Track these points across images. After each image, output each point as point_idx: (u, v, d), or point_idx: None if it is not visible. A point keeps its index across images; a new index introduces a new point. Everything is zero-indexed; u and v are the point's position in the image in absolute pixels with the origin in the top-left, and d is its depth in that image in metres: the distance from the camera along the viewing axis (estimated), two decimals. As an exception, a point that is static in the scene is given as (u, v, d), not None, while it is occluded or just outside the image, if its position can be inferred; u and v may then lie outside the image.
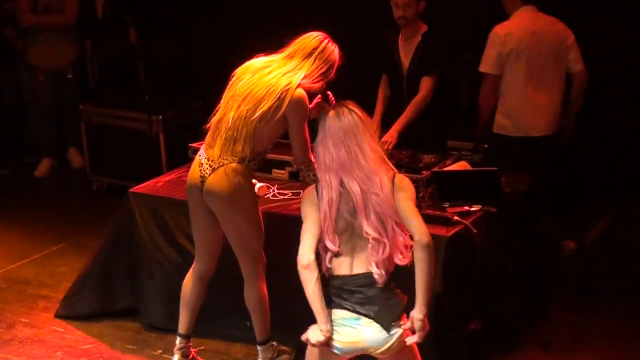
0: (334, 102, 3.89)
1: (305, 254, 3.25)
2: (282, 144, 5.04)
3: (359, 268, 3.29)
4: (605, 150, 5.88)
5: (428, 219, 4.06)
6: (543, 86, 5.04)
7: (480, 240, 4.07)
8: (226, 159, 3.86)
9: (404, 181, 3.34)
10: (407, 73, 5.06)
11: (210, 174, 3.86)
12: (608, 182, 5.78)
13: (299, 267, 3.25)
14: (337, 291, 3.29)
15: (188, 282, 4.18)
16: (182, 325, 4.21)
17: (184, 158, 5.15)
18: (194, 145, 5.05)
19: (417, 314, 3.20)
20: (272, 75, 3.81)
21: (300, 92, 3.79)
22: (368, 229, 3.24)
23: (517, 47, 4.97)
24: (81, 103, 7.04)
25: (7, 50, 7.41)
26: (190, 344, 4.26)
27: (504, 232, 4.36)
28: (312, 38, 3.86)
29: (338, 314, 3.27)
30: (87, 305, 4.86)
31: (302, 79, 3.80)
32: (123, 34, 7.37)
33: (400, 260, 3.26)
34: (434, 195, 4.29)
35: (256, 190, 4.46)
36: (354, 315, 3.24)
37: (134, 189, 4.82)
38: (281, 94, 3.77)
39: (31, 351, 4.57)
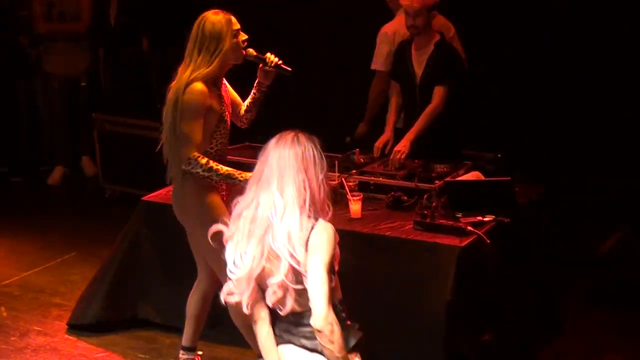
0: (272, 60, 3.97)
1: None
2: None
3: None
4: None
5: (441, 229, 4.08)
6: None
7: (493, 251, 4.04)
8: (174, 178, 3.92)
9: (327, 229, 3.00)
10: (420, 82, 5.03)
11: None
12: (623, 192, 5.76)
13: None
14: (284, 326, 3.09)
15: (192, 297, 4.16)
16: (186, 337, 4.19)
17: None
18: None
19: None
20: (172, 87, 3.79)
21: (189, 90, 3.70)
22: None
23: None
24: (94, 111, 7.05)
25: (21, 59, 7.44)
26: (196, 355, 4.23)
27: (517, 243, 4.33)
28: (194, 25, 3.85)
29: (286, 351, 3.05)
30: (99, 313, 4.83)
31: (192, 76, 3.72)
32: (136, 42, 7.39)
33: None
34: (447, 205, 4.26)
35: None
36: (303, 350, 3.02)
37: (146, 198, 4.81)
38: (175, 102, 3.75)
39: (44, 359, 4.57)
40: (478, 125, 5.67)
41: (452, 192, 4.30)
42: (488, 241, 4.00)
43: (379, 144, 5.03)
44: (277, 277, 2.90)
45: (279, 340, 3.08)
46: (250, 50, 3.93)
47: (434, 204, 4.19)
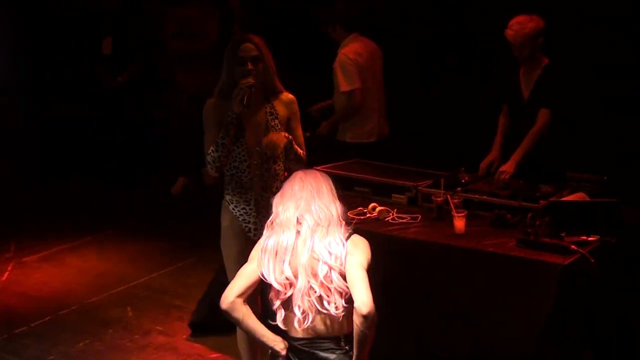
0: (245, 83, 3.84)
1: None
2: (401, 170, 5.12)
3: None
4: None
5: (545, 247, 4.05)
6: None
7: (597, 270, 3.98)
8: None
9: (357, 243, 3.36)
10: (527, 104, 5.00)
11: None
12: None
13: None
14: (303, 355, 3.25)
15: None
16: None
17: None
18: (320, 168, 5.15)
19: None
20: None
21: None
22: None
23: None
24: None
25: (154, 75, 7.77)
26: None
27: (622, 264, 4.24)
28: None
29: None
30: (214, 316, 5.00)
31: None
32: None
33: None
34: (551, 224, 4.22)
35: (376, 213, 4.55)
36: None
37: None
38: None
39: (164, 357, 4.76)
40: (583, 148, 5.57)
41: (557, 211, 4.25)
42: (592, 260, 3.95)
43: (484, 163, 5.03)
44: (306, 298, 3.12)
45: None
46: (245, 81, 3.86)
47: (537, 222, 4.16)
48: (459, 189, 4.66)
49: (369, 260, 3.19)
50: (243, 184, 3.95)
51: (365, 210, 4.67)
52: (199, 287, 5.34)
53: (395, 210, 4.67)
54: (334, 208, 3.25)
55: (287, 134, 3.91)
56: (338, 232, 3.21)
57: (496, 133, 5.18)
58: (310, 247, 3.13)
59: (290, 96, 4.02)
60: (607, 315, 4.14)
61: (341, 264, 3.11)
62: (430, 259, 4.31)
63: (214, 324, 4.93)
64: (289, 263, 3.11)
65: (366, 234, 4.44)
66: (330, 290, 3.03)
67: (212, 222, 6.89)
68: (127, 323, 5.19)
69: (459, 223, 4.32)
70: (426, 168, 5.08)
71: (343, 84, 5.76)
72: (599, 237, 4.12)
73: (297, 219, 3.19)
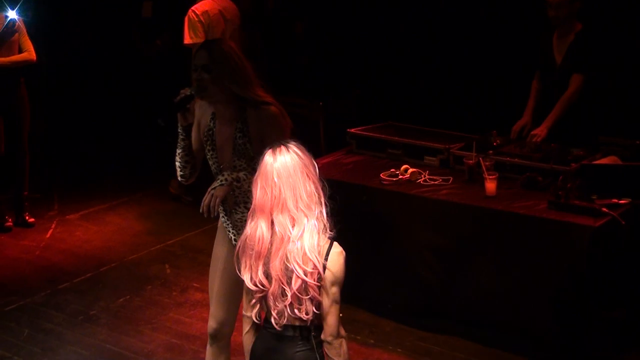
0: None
1: None
2: (434, 132, 5.07)
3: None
4: None
5: (575, 210, 3.99)
6: None
7: (627, 232, 3.93)
8: None
9: (341, 258, 2.78)
10: (559, 69, 4.90)
11: None
12: None
13: None
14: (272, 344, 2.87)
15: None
16: None
17: (342, 142, 5.23)
18: (353, 130, 5.13)
19: None
20: None
21: None
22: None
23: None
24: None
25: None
26: None
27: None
28: None
29: None
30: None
31: None
32: (290, 27, 7.52)
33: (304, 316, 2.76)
34: (582, 187, 4.15)
35: (408, 175, 4.52)
36: None
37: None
38: None
39: (201, 314, 4.79)
40: (616, 112, 5.46)
41: (589, 174, 4.19)
42: (623, 222, 3.90)
43: (516, 127, 4.97)
44: (282, 292, 2.74)
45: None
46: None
47: (569, 185, 4.11)
48: (490, 151, 4.60)
49: (342, 279, 2.80)
50: None
51: (397, 172, 4.64)
52: (234, 246, 5.35)
53: (427, 172, 4.64)
54: (314, 200, 2.74)
55: (229, 180, 3.31)
56: (317, 238, 2.73)
57: (529, 97, 5.09)
58: (284, 254, 2.72)
59: (272, 110, 3.34)
60: (638, 276, 4.09)
61: (316, 278, 2.72)
62: (461, 221, 4.29)
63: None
64: (263, 264, 2.75)
65: (398, 196, 4.46)
66: (302, 300, 2.73)
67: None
68: (165, 280, 5.23)
69: (490, 185, 4.28)
70: (458, 131, 5.02)
71: (186, 37, 5.84)
72: (630, 200, 4.07)
73: (271, 210, 2.74)
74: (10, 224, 5.96)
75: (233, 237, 3.51)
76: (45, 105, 7.44)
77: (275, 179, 2.73)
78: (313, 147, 6.74)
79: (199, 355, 4.36)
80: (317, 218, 2.74)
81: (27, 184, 6.04)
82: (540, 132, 4.74)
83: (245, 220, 2.84)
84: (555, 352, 4.06)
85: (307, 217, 2.73)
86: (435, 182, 4.53)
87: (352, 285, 4.59)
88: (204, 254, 5.58)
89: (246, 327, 2.92)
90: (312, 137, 6.70)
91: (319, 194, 2.76)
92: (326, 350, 2.80)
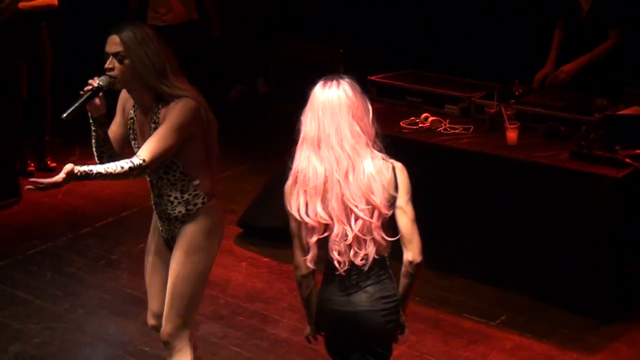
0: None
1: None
2: (454, 81, 4.96)
3: None
4: None
5: (598, 160, 3.90)
6: None
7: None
8: None
9: (405, 173, 2.67)
10: (586, 19, 4.74)
11: None
12: None
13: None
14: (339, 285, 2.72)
15: None
16: None
17: (362, 89, 5.12)
18: (373, 78, 5.04)
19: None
20: None
21: None
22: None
23: None
24: (271, 34, 7.14)
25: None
26: None
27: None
28: None
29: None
30: (264, 221, 4.99)
31: None
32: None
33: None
34: (605, 137, 4.06)
35: (428, 124, 4.44)
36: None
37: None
38: None
39: (220, 260, 4.70)
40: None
41: (612, 124, 4.09)
42: (646, 173, 3.81)
43: (539, 76, 4.84)
44: (344, 233, 2.61)
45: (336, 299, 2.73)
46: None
47: (592, 135, 4.01)
48: (512, 100, 4.50)
49: (411, 192, 2.65)
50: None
51: (418, 120, 4.56)
52: (254, 193, 5.31)
53: (448, 120, 4.56)
54: (361, 142, 2.61)
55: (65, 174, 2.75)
56: (373, 169, 2.60)
57: (551, 46, 4.94)
58: (340, 194, 2.59)
59: (181, 104, 2.98)
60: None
61: (381, 213, 2.60)
62: (482, 170, 4.23)
63: (261, 228, 4.93)
64: (321, 201, 2.62)
65: (417, 144, 4.39)
66: (364, 243, 2.60)
67: (264, 131, 6.91)
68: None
69: (512, 134, 4.20)
70: (479, 79, 4.91)
71: None
72: (654, 150, 3.97)
73: (319, 144, 2.61)
74: (33, 168, 5.96)
75: (160, 227, 3.23)
76: (67, 50, 7.37)
77: (320, 113, 2.63)
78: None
79: (218, 300, 4.36)
80: (369, 160, 2.61)
81: (49, 129, 6.02)
82: (570, 69, 4.63)
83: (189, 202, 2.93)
84: (578, 304, 4.02)
85: (351, 158, 2.60)
86: (456, 131, 4.45)
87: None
88: (223, 200, 5.47)
89: (305, 283, 2.75)
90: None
91: (368, 136, 2.63)
92: (411, 271, 2.64)
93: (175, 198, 3.09)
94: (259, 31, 7.50)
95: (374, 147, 2.64)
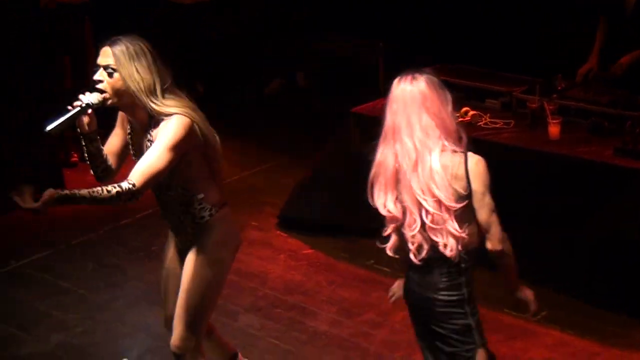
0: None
1: None
2: (496, 75, 4.90)
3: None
4: None
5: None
6: None
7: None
8: None
9: (480, 165, 2.68)
10: (631, 16, 4.64)
11: None
12: None
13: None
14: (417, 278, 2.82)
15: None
16: None
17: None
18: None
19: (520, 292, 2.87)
20: None
21: None
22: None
23: None
24: (311, 28, 7.13)
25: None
26: None
27: None
28: None
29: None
30: (304, 214, 5.00)
31: None
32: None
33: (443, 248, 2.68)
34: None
35: (468, 118, 4.39)
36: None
37: (355, 109, 4.84)
38: None
39: (259, 252, 4.79)
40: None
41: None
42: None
43: (582, 70, 4.76)
44: (416, 224, 2.67)
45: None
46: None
47: (637, 130, 3.94)
48: (555, 95, 4.44)
49: (489, 184, 2.68)
50: None
51: (458, 114, 4.46)
52: (291, 186, 5.31)
53: (488, 114, 4.51)
54: (433, 135, 2.63)
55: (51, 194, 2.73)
56: (442, 162, 2.62)
57: (594, 41, 4.86)
58: (410, 185, 2.64)
59: (171, 122, 2.87)
60: None
61: (447, 206, 2.62)
62: (523, 165, 4.17)
63: (302, 220, 4.93)
64: (394, 193, 2.69)
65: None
66: (437, 234, 2.64)
67: (302, 125, 6.90)
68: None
69: (554, 129, 4.15)
70: (521, 74, 4.84)
71: None
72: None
73: (394, 137, 2.68)
74: (76, 159, 6.02)
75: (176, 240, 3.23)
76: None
77: (394, 107, 2.69)
78: (372, 88, 6.70)
79: (257, 292, 4.37)
80: (438, 153, 2.64)
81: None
82: (625, 62, 4.57)
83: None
84: (621, 301, 3.96)
85: (418, 151, 2.64)
86: (497, 126, 4.41)
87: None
88: (262, 193, 5.58)
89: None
90: (371, 77, 6.58)
91: (443, 130, 2.65)
92: (496, 259, 2.74)
93: (182, 212, 3.03)
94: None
95: (449, 140, 2.66)
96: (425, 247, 2.69)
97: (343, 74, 6.83)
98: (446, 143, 2.65)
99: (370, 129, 4.59)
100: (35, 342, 4.04)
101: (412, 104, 2.65)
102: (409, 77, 2.69)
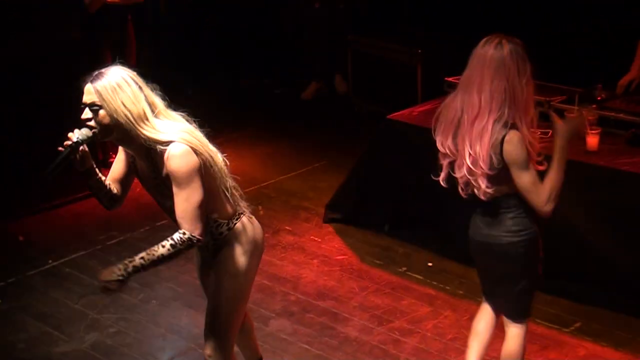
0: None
1: None
2: (534, 84, 4.84)
3: None
4: None
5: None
6: None
7: None
8: None
9: (510, 143, 2.89)
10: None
11: None
12: None
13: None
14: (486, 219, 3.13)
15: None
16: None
17: (439, 90, 5.09)
18: (450, 79, 4.97)
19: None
20: None
21: None
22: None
23: None
24: (350, 33, 7.14)
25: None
26: None
27: None
28: None
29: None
30: (341, 218, 5.01)
31: None
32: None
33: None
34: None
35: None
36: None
37: (391, 116, 4.85)
38: None
39: (292, 257, 4.81)
40: None
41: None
42: None
43: (623, 81, 4.70)
44: (464, 167, 2.98)
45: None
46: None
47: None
48: (594, 105, 4.39)
49: (524, 158, 2.89)
50: None
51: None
52: (328, 190, 5.34)
53: (526, 124, 4.46)
54: (498, 99, 2.85)
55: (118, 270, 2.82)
56: (488, 131, 2.86)
57: (635, 53, 4.79)
58: (463, 133, 2.93)
59: (175, 157, 2.83)
60: None
61: (482, 167, 2.90)
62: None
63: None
64: (452, 135, 2.99)
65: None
66: (476, 182, 2.95)
67: (341, 128, 6.92)
68: (259, 222, 5.24)
69: (593, 140, 4.10)
70: (560, 83, 4.80)
71: None
72: None
73: (465, 88, 2.93)
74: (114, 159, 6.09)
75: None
76: (151, 42, 7.53)
77: (474, 62, 2.92)
78: (410, 95, 6.68)
79: (289, 297, 4.39)
80: (494, 117, 2.87)
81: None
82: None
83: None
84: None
85: (481, 109, 2.88)
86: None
87: (443, 237, 4.57)
88: (297, 197, 5.60)
89: None
90: (410, 84, 6.58)
91: (510, 99, 2.86)
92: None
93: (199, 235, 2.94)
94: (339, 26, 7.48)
95: (511, 109, 2.87)
96: (470, 187, 2.99)
97: (381, 79, 6.82)
98: (507, 111, 2.87)
99: (405, 136, 4.67)
100: (70, 341, 4.10)
101: (490, 66, 2.87)
102: (495, 41, 2.89)
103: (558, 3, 6.32)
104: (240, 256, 3.08)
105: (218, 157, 3.02)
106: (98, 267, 4.74)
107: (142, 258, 2.85)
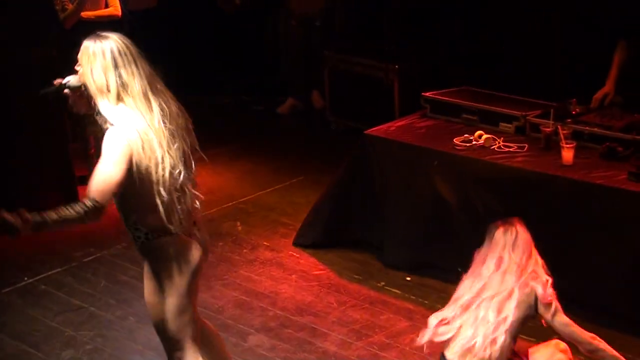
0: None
1: None
2: (510, 99, 4.92)
3: None
4: None
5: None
6: None
7: None
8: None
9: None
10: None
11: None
12: None
13: None
14: None
15: None
16: None
17: (416, 105, 5.13)
18: (427, 94, 5.02)
19: None
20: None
21: None
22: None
23: None
24: (326, 49, 7.17)
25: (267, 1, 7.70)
26: None
27: None
28: None
29: None
30: (319, 234, 5.01)
31: None
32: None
33: None
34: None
35: (482, 141, 4.41)
36: None
37: (368, 131, 4.87)
38: None
39: (270, 272, 4.81)
40: None
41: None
42: None
43: (598, 95, 4.76)
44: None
45: None
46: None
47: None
48: (569, 120, 4.44)
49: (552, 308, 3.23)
50: None
51: (472, 138, 4.54)
52: (306, 206, 5.34)
53: (502, 138, 4.53)
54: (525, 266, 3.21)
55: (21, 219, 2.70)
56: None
57: (611, 66, 4.86)
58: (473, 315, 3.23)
59: (108, 135, 2.88)
60: None
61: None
62: (536, 189, 4.17)
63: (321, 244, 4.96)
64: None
65: (471, 162, 4.36)
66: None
67: (318, 144, 6.94)
68: (236, 237, 5.26)
69: (568, 154, 4.15)
70: (535, 98, 4.85)
71: None
72: None
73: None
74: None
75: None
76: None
77: (490, 244, 3.25)
78: (387, 111, 6.71)
79: (267, 312, 4.38)
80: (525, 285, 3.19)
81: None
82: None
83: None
84: (635, 327, 3.93)
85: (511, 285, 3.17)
86: (510, 149, 4.41)
87: (420, 251, 4.59)
88: (275, 212, 5.60)
89: None
90: (387, 100, 6.62)
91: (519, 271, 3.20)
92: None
93: (125, 223, 3.00)
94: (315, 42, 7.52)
95: (524, 274, 3.19)
96: None
97: (358, 95, 6.85)
98: (522, 279, 3.17)
99: (383, 151, 4.70)
100: (46, 359, 4.06)
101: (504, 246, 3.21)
102: (509, 225, 3.23)
103: (533, 18, 6.40)
104: (167, 274, 2.99)
105: (166, 166, 2.92)
106: (74, 284, 4.72)
107: (53, 217, 2.73)
